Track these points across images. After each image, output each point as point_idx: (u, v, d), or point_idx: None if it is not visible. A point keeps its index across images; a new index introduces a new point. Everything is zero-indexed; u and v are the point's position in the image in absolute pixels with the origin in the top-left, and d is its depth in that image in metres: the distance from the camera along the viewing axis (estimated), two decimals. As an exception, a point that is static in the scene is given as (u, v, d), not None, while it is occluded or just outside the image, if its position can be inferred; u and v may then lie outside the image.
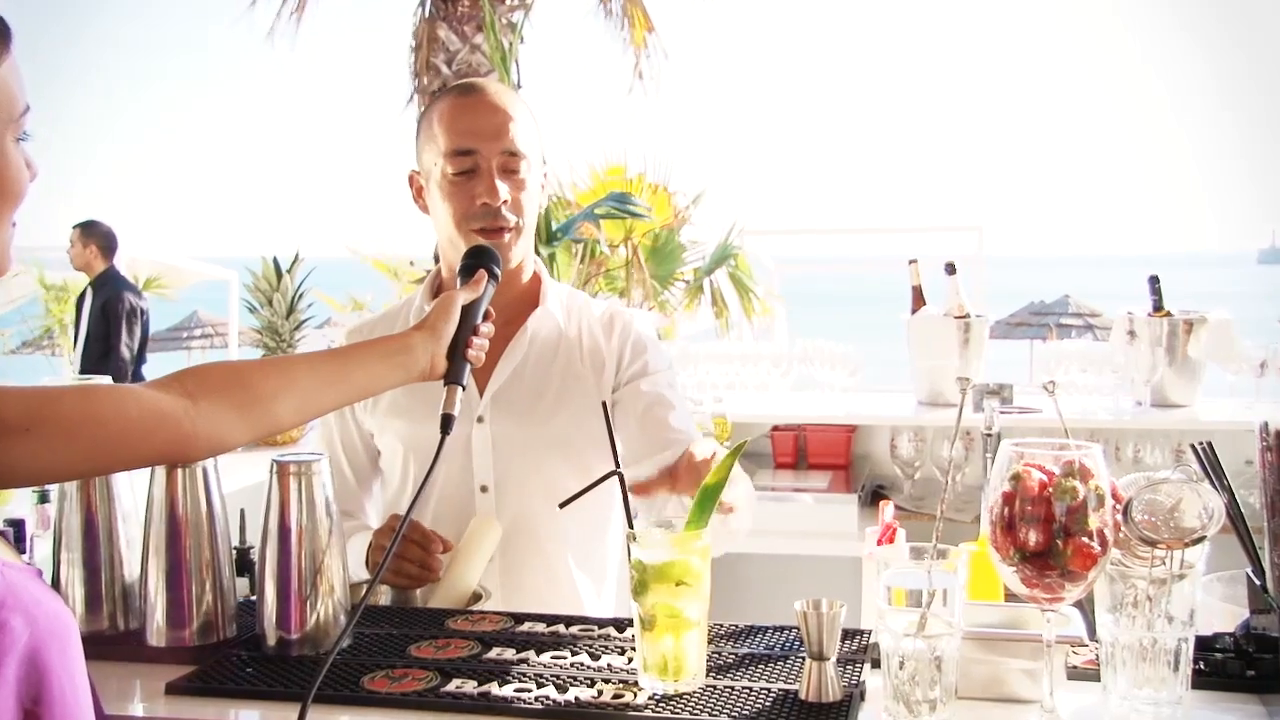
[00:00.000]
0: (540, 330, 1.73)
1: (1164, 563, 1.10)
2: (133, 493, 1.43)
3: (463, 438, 1.68)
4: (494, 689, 1.19)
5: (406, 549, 1.55)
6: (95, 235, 6.15)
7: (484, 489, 1.69)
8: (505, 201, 1.63)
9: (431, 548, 1.56)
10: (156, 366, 6.94)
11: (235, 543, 1.65)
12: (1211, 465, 1.23)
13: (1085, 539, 1.06)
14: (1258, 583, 1.22)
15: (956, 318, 3.19)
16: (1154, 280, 3.21)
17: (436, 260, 1.88)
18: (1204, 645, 1.23)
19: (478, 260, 1.46)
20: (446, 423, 1.30)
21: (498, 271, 1.47)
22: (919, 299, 3.30)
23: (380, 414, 1.75)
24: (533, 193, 1.67)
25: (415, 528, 1.57)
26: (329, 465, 1.35)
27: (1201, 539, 1.08)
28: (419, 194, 1.72)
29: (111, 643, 1.37)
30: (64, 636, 0.77)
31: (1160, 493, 1.08)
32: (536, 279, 1.77)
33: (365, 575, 1.64)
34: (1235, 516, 1.21)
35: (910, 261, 3.36)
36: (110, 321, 6.10)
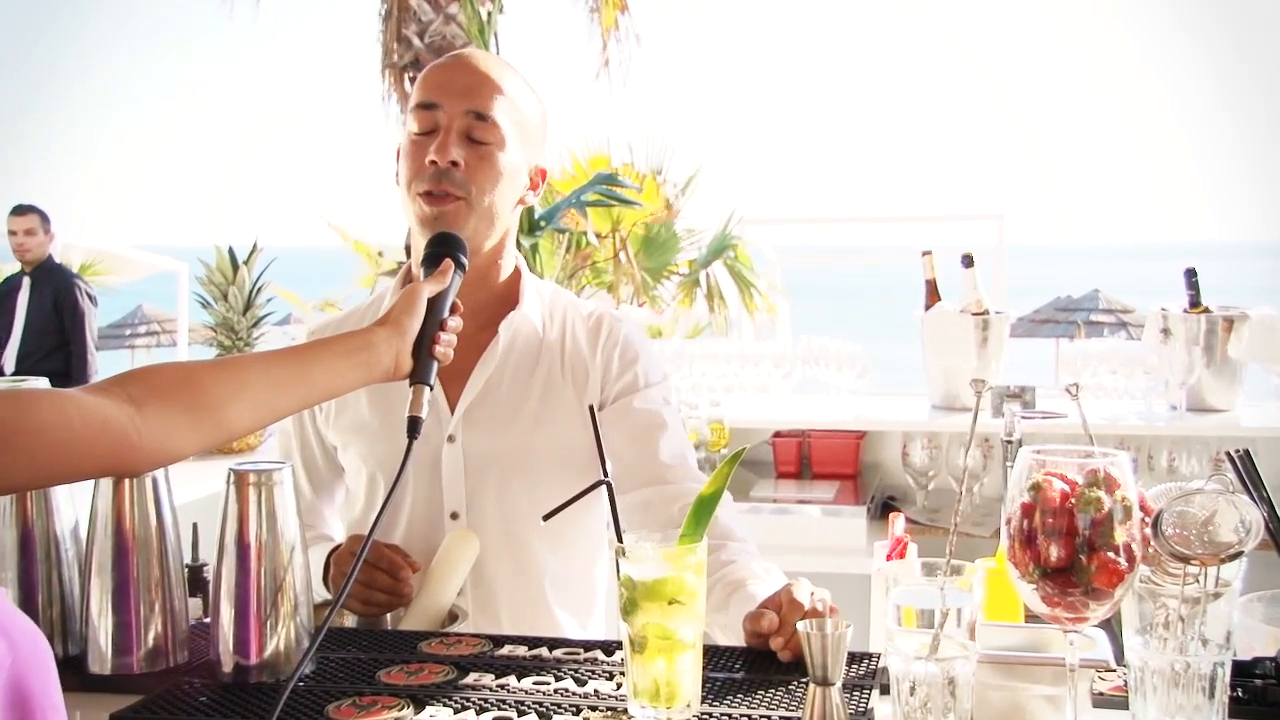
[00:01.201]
0: (516, 336, 1.69)
1: (1197, 580, 1.11)
2: (74, 505, 1.43)
3: (431, 458, 1.65)
4: (471, 718, 1.20)
5: (373, 577, 1.53)
6: (48, 221, 6.16)
7: (454, 515, 1.67)
8: (456, 164, 1.55)
9: (400, 574, 1.54)
10: (96, 367, 6.90)
11: (187, 560, 1.65)
12: (1249, 475, 1.24)
13: (1111, 554, 1.06)
14: (1299, 602, 1.24)
15: (974, 314, 3.20)
16: (1191, 273, 3.22)
17: (409, 252, 1.86)
18: (1242, 670, 1.24)
19: (443, 248, 1.45)
20: (414, 426, 1.30)
21: (465, 260, 1.46)
22: (933, 294, 3.31)
23: (343, 429, 1.73)
24: (501, 170, 1.59)
25: (380, 553, 1.54)
26: (291, 475, 1.35)
27: (1238, 554, 1.09)
28: None
29: (51, 669, 1.37)
30: (44, 662, 0.77)
31: (1193, 504, 1.09)
32: (516, 277, 1.72)
33: (326, 594, 1.64)
34: (1275, 531, 1.22)
35: (924, 253, 3.37)
36: (65, 316, 6.09)
